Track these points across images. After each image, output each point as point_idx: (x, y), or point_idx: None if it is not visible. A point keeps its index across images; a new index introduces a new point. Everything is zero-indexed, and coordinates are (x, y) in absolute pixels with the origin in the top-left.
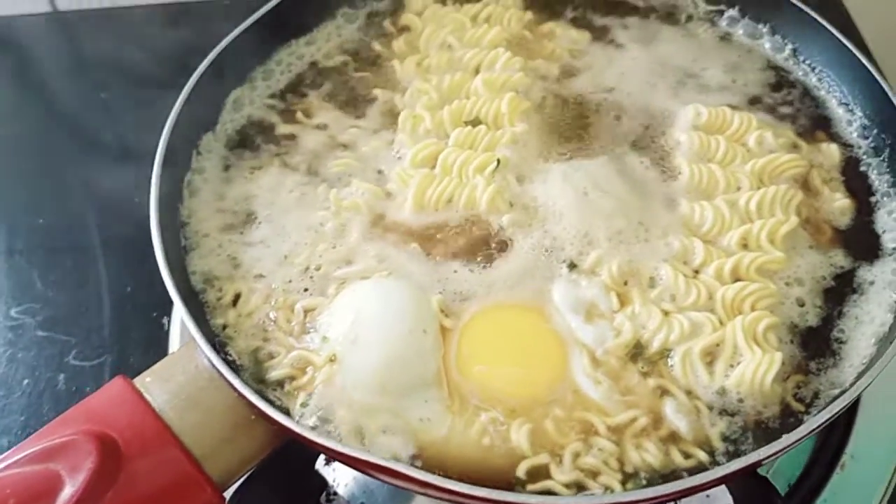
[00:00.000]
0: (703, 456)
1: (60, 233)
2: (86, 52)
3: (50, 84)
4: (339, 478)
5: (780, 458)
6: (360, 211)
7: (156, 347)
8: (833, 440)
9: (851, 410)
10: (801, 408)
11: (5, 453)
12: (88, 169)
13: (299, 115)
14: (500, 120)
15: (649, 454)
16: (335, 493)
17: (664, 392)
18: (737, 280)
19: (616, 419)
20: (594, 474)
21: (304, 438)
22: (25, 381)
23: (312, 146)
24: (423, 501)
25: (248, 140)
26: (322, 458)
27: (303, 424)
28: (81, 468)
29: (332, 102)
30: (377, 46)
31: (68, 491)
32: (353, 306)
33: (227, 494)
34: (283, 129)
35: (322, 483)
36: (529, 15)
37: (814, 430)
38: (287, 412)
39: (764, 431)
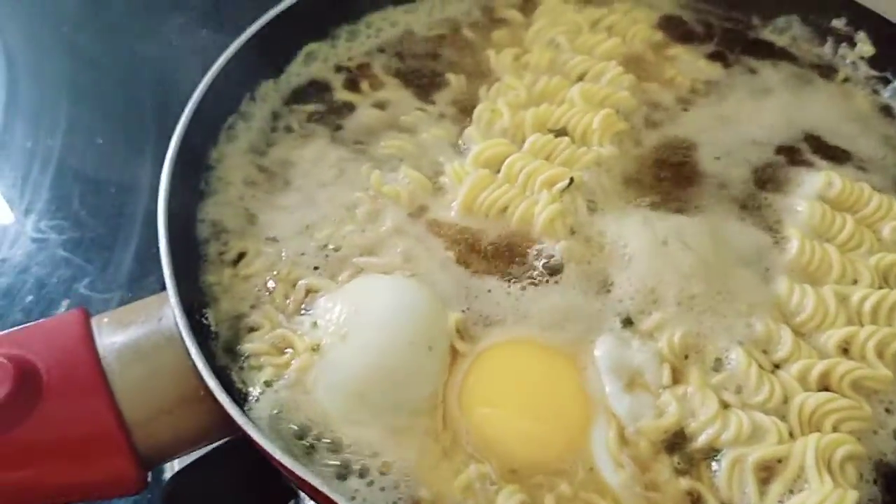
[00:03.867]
0: None
1: (113, 158)
2: None
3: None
4: None
5: None
6: (400, 200)
7: None
8: None
9: None
10: None
11: None
12: (153, 93)
13: (364, 84)
14: (588, 137)
15: None
16: None
17: (697, 500)
18: (824, 389)
19: None
20: None
21: (243, 432)
22: (29, 298)
23: (368, 121)
24: None
25: (306, 100)
26: None
27: (250, 417)
28: None
29: (403, 79)
30: (470, 34)
31: None
32: (357, 299)
33: (166, 474)
34: (342, 95)
35: (289, 495)
36: (659, 35)
37: None
38: (244, 399)
39: None
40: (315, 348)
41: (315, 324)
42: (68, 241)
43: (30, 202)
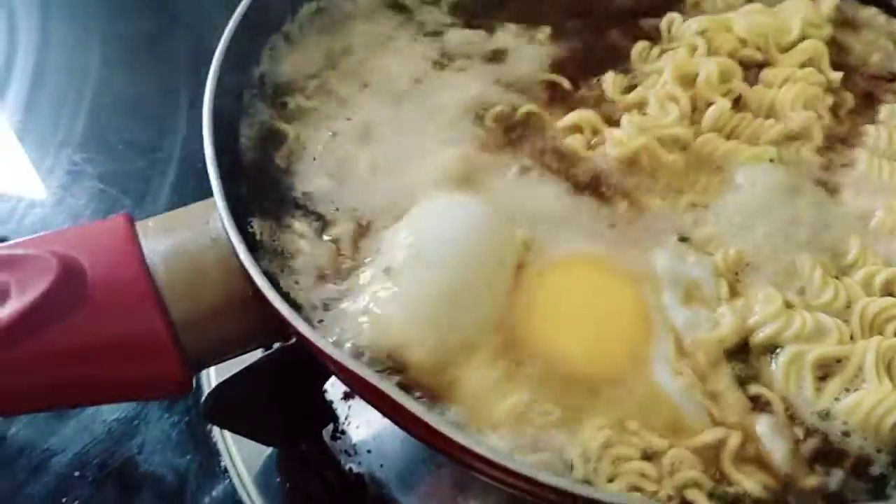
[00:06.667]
0: None
1: (151, 92)
2: None
3: None
4: (353, 416)
5: None
6: None
7: None
8: None
9: None
10: None
11: None
12: (191, 26)
13: None
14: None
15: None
16: (342, 432)
17: (758, 405)
18: (888, 296)
19: (701, 438)
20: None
21: (301, 335)
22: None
23: None
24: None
25: None
26: (334, 386)
27: (304, 318)
28: (33, 286)
29: None
30: None
31: (12, 306)
32: (425, 219)
33: (210, 381)
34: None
35: (329, 415)
36: None
37: None
38: (298, 306)
39: (866, 480)
40: (387, 270)
41: (378, 249)
42: (104, 174)
43: (65, 135)
